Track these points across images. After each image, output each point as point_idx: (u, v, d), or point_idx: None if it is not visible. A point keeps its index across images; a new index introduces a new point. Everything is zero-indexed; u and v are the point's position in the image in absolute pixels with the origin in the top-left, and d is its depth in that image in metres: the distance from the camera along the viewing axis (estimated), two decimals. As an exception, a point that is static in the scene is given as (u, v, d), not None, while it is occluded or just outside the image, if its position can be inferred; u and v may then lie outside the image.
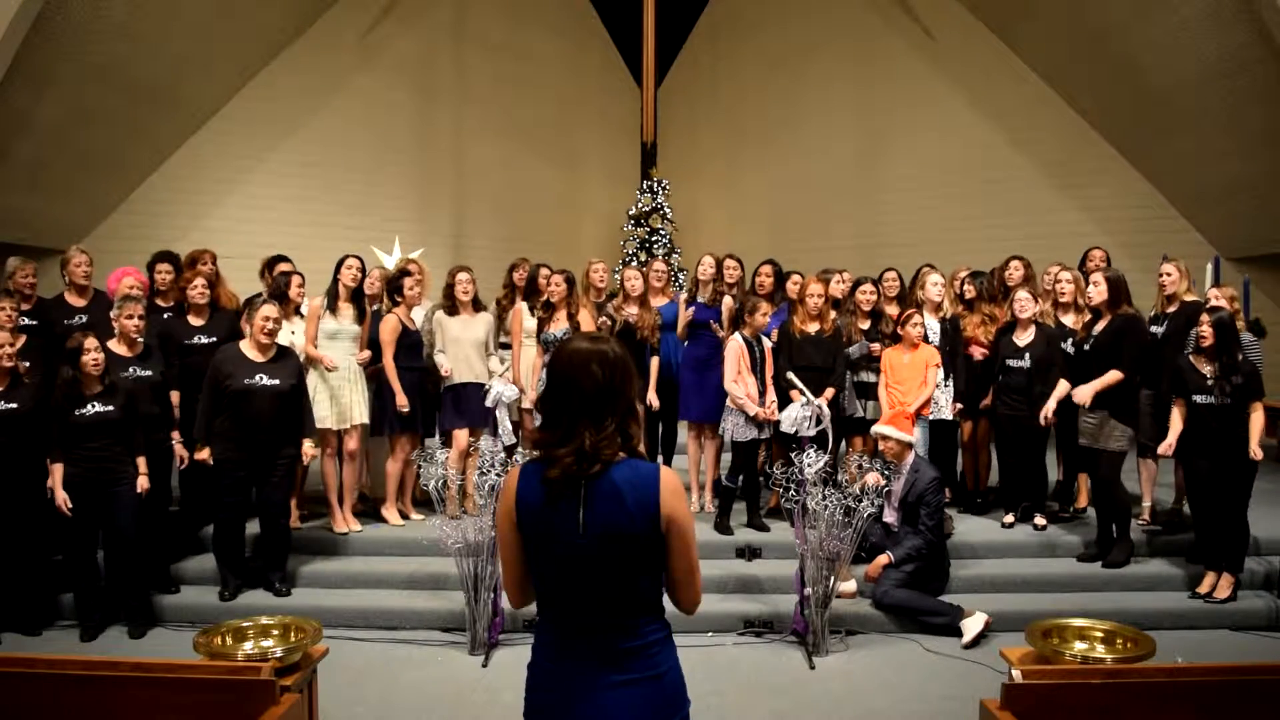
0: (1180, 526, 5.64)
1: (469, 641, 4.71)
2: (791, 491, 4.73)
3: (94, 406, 4.68)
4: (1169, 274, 5.73)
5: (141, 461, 4.83)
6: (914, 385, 5.64)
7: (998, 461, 6.11)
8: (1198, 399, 4.95)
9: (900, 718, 4.02)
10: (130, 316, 5.01)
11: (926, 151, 11.46)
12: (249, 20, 9.57)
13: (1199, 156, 9.31)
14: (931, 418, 5.85)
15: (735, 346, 5.58)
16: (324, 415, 5.53)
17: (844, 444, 6.03)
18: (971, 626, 4.77)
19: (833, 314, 5.85)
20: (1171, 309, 5.71)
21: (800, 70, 12.37)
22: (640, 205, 11.92)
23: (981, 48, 11.09)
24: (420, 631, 4.96)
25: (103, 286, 5.85)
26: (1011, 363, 5.67)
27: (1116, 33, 9.13)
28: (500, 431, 5.76)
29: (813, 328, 5.75)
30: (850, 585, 5.09)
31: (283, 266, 6.13)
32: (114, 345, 4.99)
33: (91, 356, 4.65)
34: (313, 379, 5.55)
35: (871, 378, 5.89)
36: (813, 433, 5.40)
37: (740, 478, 5.67)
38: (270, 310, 5.07)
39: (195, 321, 5.62)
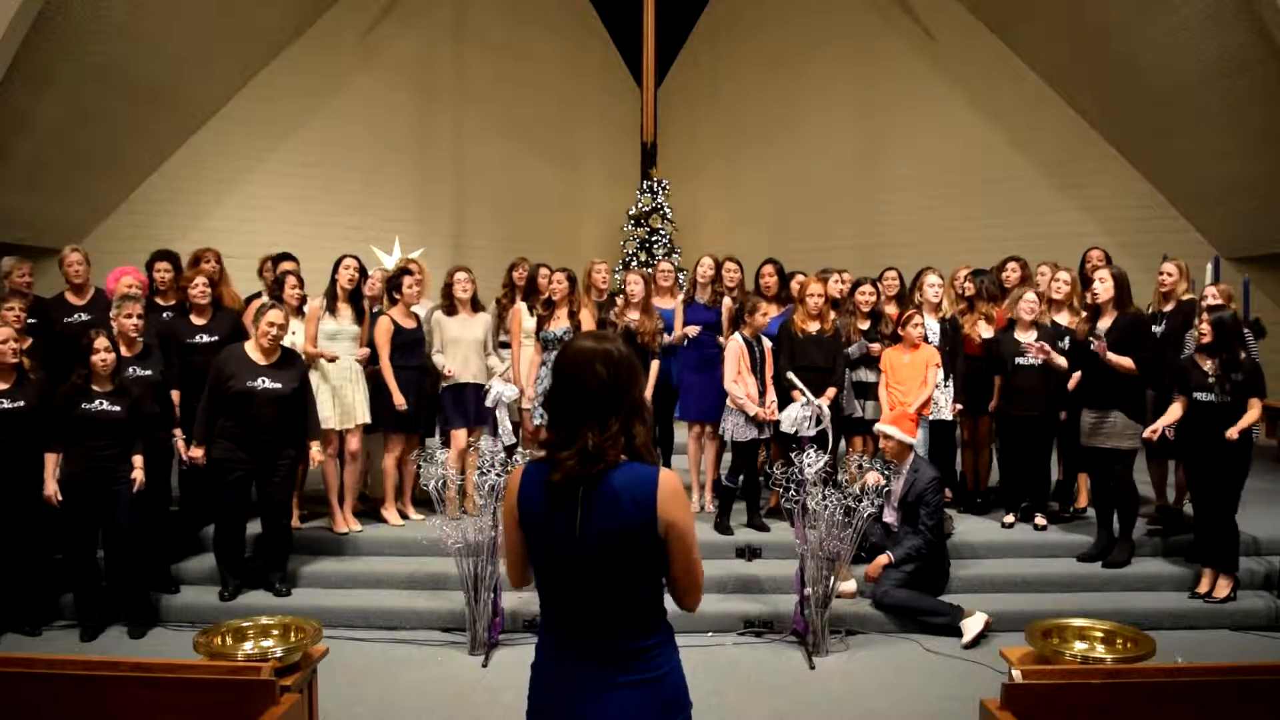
0: (1180, 526, 5.64)
1: (469, 641, 4.71)
2: (791, 491, 4.74)
3: (101, 404, 4.68)
4: (1169, 274, 5.74)
5: (138, 459, 4.83)
6: (914, 385, 5.64)
7: (998, 461, 6.11)
8: (1198, 396, 4.96)
9: (900, 718, 4.02)
10: (129, 316, 5.02)
11: (926, 151, 11.46)
12: (249, 20, 9.57)
13: (1199, 156, 9.31)
14: (931, 418, 5.86)
15: (735, 346, 5.58)
16: (326, 415, 5.53)
17: (844, 444, 6.03)
18: (971, 626, 4.77)
19: (832, 314, 5.85)
20: (1167, 308, 5.72)
21: (800, 70, 12.37)
22: (640, 205, 11.91)
23: (981, 48, 11.09)
24: (420, 631, 4.96)
25: (102, 285, 5.86)
26: (1020, 362, 5.67)
27: (1116, 33, 9.13)
28: (500, 431, 5.76)
29: (813, 327, 5.75)
30: (850, 585, 5.09)
31: (285, 265, 6.13)
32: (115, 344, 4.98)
33: (101, 355, 4.66)
34: (315, 378, 5.55)
35: (871, 377, 5.89)
36: (813, 433, 5.40)
37: (740, 478, 5.67)
38: (276, 316, 5.07)
39: (197, 320, 5.62)
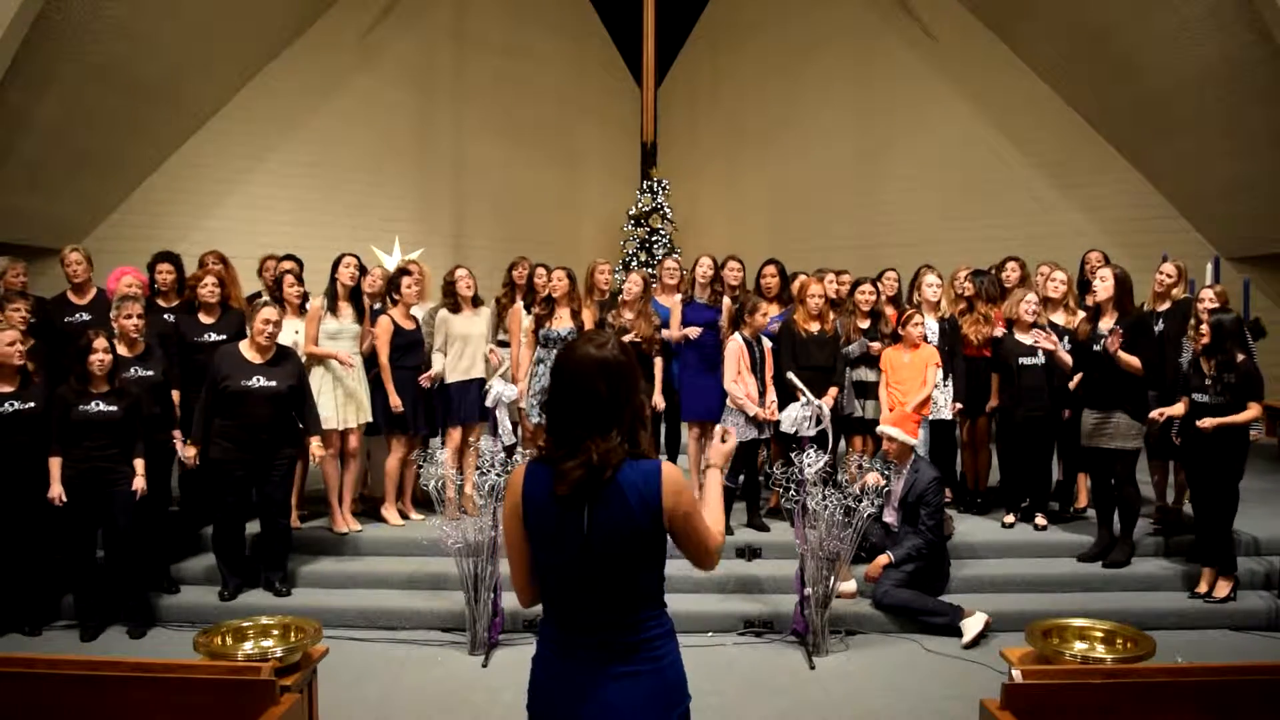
0: (1180, 526, 5.64)
1: (469, 641, 4.71)
2: (791, 491, 4.74)
3: (98, 405, 4.68)
4: (1168, 274, 5.74)
5: (139, 463, 4.83)
6: (914, 385, 5.64)
7: (998, 461, 6.11)
8: (1196, 397, 4.97)
9: (900, 718, 4.02)
10: (129, 316, 5.02)
11: (926, 151, 11.46)
12: (249, 20, 9.56)
13: (1199, 156, 9.31)
14: (931, 418, 5.85)
15: (735, 346, 5.58)
16: (328, 415, 5.54)
17: (843, 443, 6.03)
18: (971, 626, 4.77)
19: (832, 314, 5.85)
20: (1162, 307, 5.72)
21: (800, 70, 12.36)
22: (640, 205, 11.92)
23: (981, 48, 11.08)
24: (420, 631, 4.96)
25: (102, 285, 5.86)
26: (1024, 361, 5.67)
27: (1116, 33, 9.13)
28: (500, 431, 5.77)
29: (814, 327, 5.75)
30: (850, 585, 5.09)
31: (285, 265, 6.13)
32: (114, 345, 4.98)
33: (98, 356, 4.65)
34: (317, 378, 5.56)
35: (871, 377, 5.89)
36: (813, 433, 5.40)
37: (740, 478, 5.67)
38: (270, 313, 5.07)
39: (205, 319, 5.62)
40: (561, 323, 5.82)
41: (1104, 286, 5.35)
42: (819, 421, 5.43)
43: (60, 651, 4.42)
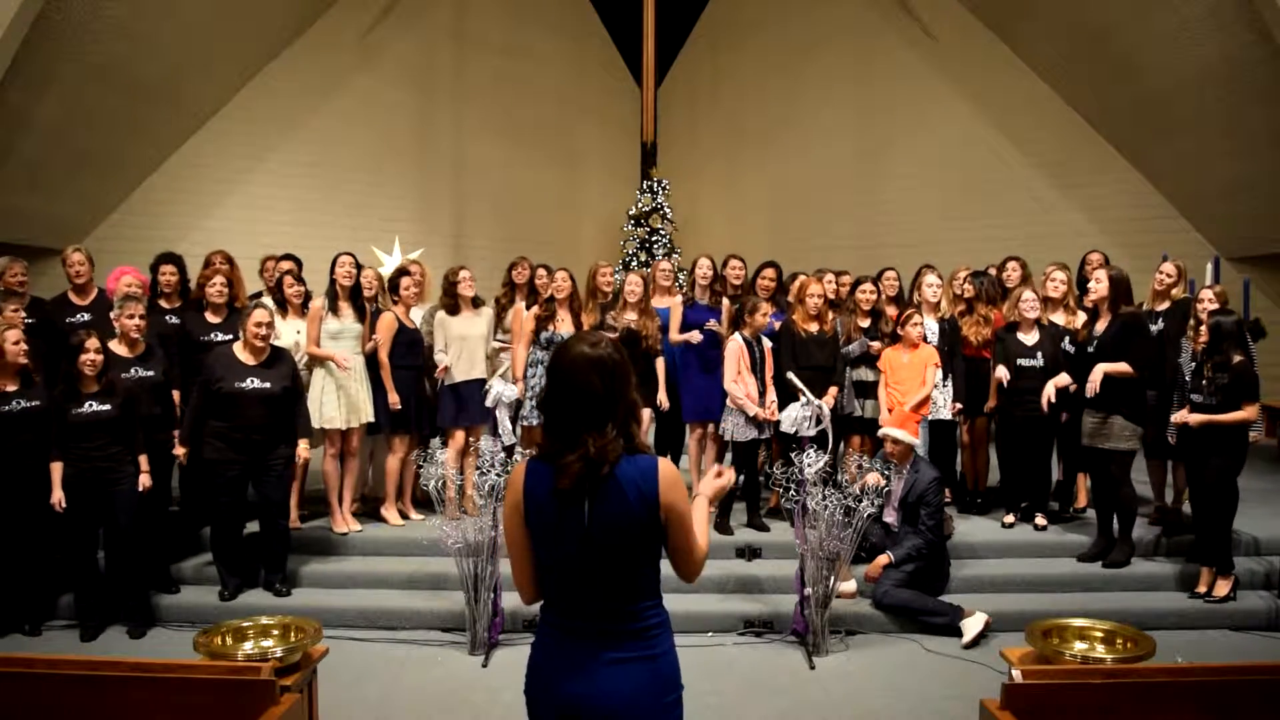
0: (1180, 526, 5.64)
1: (469, 641, 4.71)
2: (791, 491, 4.74)
3: (91, 406, 4.68)
4: (1168, 274, 5.74)
5: (143, 460, 4.83)
6: (914, 385, 5.64)
7: (998, 461, 6.11)
8: (1194, 397, 4.97)
9: (900, 718, 4.02)
10: (130, 316, 5.01)
11: (926, 151, 11.46)
12: (249, 20, 9.57)
13: (1199, 156, 9.31)
14: (931, 418, 5.85)
15: (735, 347, 5.58)
16: (331, 415, 5.54)
17: (842, 443, 6.03)
18: (971, 626, 4.77)
19: (831, 314, 5.85)
20: (1161, 306, 5.72)
21: (800, 70, 12.37)
22: (640, 205, 11.92)
23: (981, 47, 11.09)
24: (420, 631, 4.95)
25: (102, 285, 5.85)
26: (1023, 363, 5.67)
27: (1116, 33, 9.13)
28: (500, 431, 5.77)
29: (813, 327, 5.75)
30: (850, 585, 5.09)
31: (284, 265, 6.12)
32: (115, 345, 4.99)
33: (89, 356, 4.65)
34: (319, 378, 5.56)
35: (871, 377, 5.89)
36: (813, 433, 5.40)
37: (740, 478, 5.67)
38: (261, 315, 5.06)
39: (212, 319, 5.62)
40: (564, 325, 5.81)
41: (1099, 288, 5.35)
42: (819, 421, 5.43)
43: (60, 651, 4.41)
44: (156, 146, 9.62)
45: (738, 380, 5.53)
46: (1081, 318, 5.69)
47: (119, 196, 9.54)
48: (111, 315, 5.13)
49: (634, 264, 11.25)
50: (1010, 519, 5.84)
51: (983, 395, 6.03)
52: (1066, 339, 5.62)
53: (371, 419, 5.69)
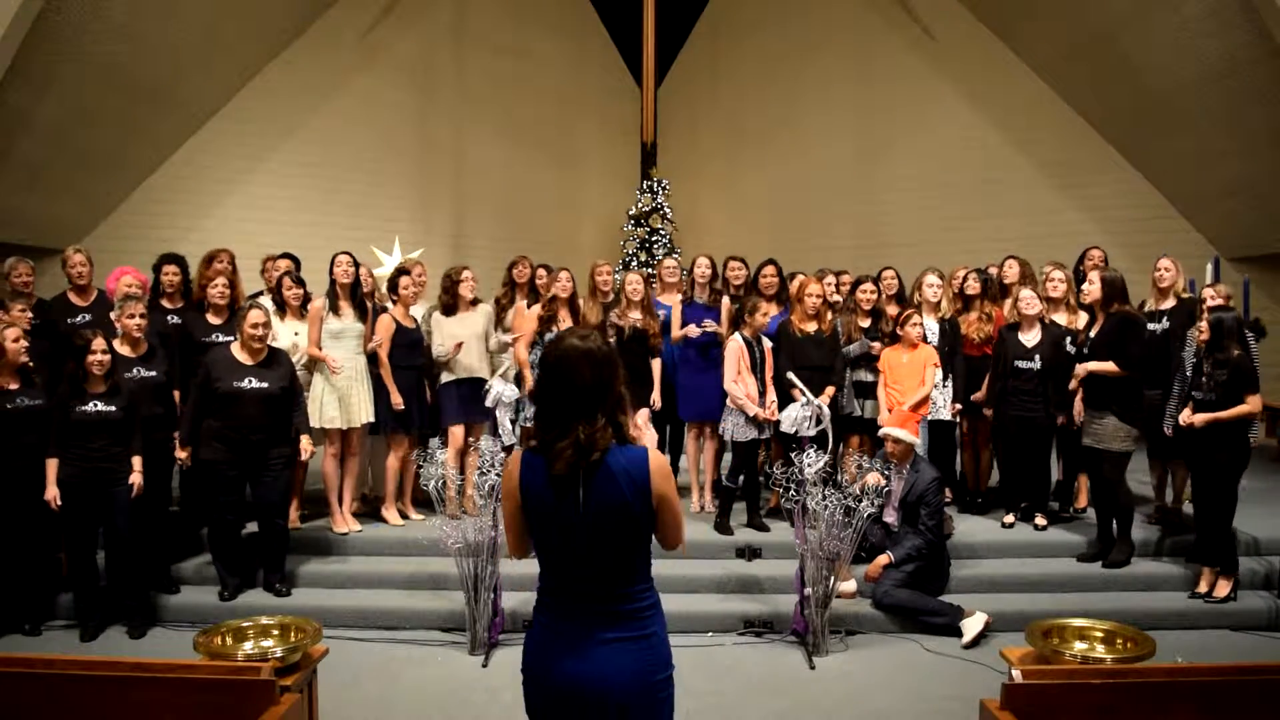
0: (1180, 527, 5.64)
1: (469, 641, 4.71)
2: (791, 491, 4.73)
3: (96, 405, 4.68)
4: (1166, 269, 5.73)
5: (137, 461, 4.83)
6: (913, 385, 5.64)
7: (998, 461, 6.11)
8: (1195, 395, 4.97)
9: (900, 718, 4.02)
10: (132, 316, 5.02)
11: (926, 151, 11.46)
12: (249, 20, 9.57)
13: (1199, 156, 9.31)
14: (931, 418, 5.85)
15: (735, 346, 5.58)
16: (332, 415, 5.54)
17: (842, 443, 6.03)
18: (971, 626, 4.77)
19: (830, 314, 5.85)
20: (1165, 304, 5.71)
21: (800, 70, 12.36)
22: (640, 205, 11.92)
23: (981, 48, 11.09)
24: (420, 631, 4.96)
25: (102, 285, 5.86)
26: (1020, 364, 5.67)
27: (1116, 33, 9.13)
28: (500, 431, 5.77)
29: (810, 327, 5.75)
30: (850, 585, 5.09)
31: (282, 265, 6.12)
32: (118, 345, 4.98)
33: (97, 357, 4.66)
34: (319, 379, 5.57)
35: (870, 377, 5.89)
36: (813, 433, 5.40)
37: (740, 478, 5.67)
38: (257, 316, 5.06)
39: (214, 320, 5.62)
40: (566, 325, 5.81)
41: (1092, 289, 5.36)
42: (819, 421, 5.43)
43: (60, 651, 4.41)
44: (156, 146, 9.62)
45: (738, 380, 5.53)
46: (1084, 318, 5.68)
47: (119, 196, 9.54)
48: (112, 315, 5.13)
49: (634, 264, 11.25)
50: (1010, 519, 5.84)
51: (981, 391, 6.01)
52: (1068, 340, 5.62)
53: (372, 419, 5.69)
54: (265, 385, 5.04)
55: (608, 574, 2.14)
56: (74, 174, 8.73)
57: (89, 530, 4.83)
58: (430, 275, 6.70)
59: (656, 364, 6.03)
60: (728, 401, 5.61)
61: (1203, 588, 5.06)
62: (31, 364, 4.84)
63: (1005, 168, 10.95)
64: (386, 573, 5.34)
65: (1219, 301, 5.26)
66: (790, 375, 5.50)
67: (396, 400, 5.68)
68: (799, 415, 5.46)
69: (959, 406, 6.02)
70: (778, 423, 5.58)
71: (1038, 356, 5.63)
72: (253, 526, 5.32)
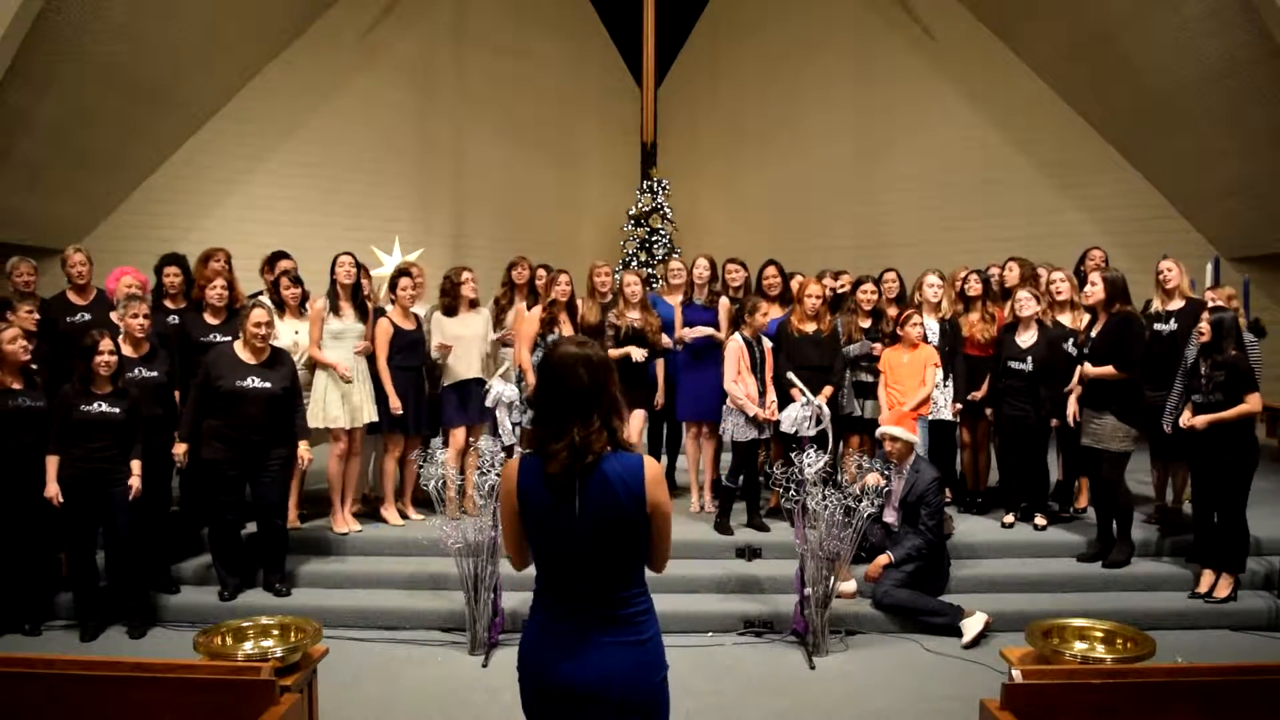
0: (1180, 527, 5.64)
1: (469, 641, 4.71)
2: (791, 491, 4.73)
3: (100, 406, 4.68)
4: (1169, 269, 5.72)
5: (135, 464, 4.82)
6: (913, 385, 5.64)
7: (998, 461, 6.11)
8: (1195, 398, 4.97)
9: (900, 718, 4.02)
10: (135, 316, 5.02)
11: (926, 151, 11.46)
12: (249, 20, 9.56)
13: (1199, 156, 9.31)
14: (931, 418, 5.85)
15: (735, 347, 5.58)
16: (336, 414, 5.54)
17: (842, 443, 6.03)
18: (971, 626, 4.77)
19: (829, 314, 5.85)
20: (1172, 305, 5.70)
21: (800, 70, 12.36)
22: (640, 205, 11.92)
23: (981, 48, 11.08)
24: (420, 631, 4.96)
25: (102, 285, 5.85)
26: (1014, 364, 5.67)
27: (1116, 33, 9.13)
28: (500, 431, 5.77)
29: (810, 327, 5.75)
30: (850, 585, 5.09)
31: (283, 264, 6.12)
32: (120, 345, 4.98)
33: (104, 358, 4.65)
34: (321, 379, 5.57)
35: (869, 378, 5.90)
36: (813, 433, 5.40)
37: (740, 478, 5.67)
38: (260, 316, 5.06)
39: (212, 320, 5.62)
40: (566, 328, 5.81)
41: (1094, 291, 5.36)
42: (819, 421, 5.43)
43: (60, 651, 4.41)
44: (156, 146, 9.61)
45: (738, 380, 5.53)
46: (1088, 318, 5.68)
47: (119, 196, 9.54)
48: (114, 315, 5.14)
49: (634, 264, 11.25)
50: (1010, 519, 5.84)
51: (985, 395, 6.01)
52: (1070, 341, 5.62)
53: (374, 419, 5.69)
54: (268, 385, 5.04)
55: (604, 579, 2.17)
56: (74, 174, 8.73)
57: (89, 530, 4.83)
58: (430, 276, 6.70)
59: (660, 364, 6.02)
60: (728, 401, 5.61)
61: (1203, 588, 5.06)
62: (34, 365, 4.84)
63: (1005, 168, 10.95)
64: (386, 573, 5.34)
65: (1219, 302, 5.25)
66: (790, 375, 5.50)
67: (395, 405, 5.68)
68: (799, 415, 5.46)
69: (959, 406, 6.02)
70: (778, 423, 5.58)
71: (1030, 358, 5.63)
72: (252, 526, 5.32)
